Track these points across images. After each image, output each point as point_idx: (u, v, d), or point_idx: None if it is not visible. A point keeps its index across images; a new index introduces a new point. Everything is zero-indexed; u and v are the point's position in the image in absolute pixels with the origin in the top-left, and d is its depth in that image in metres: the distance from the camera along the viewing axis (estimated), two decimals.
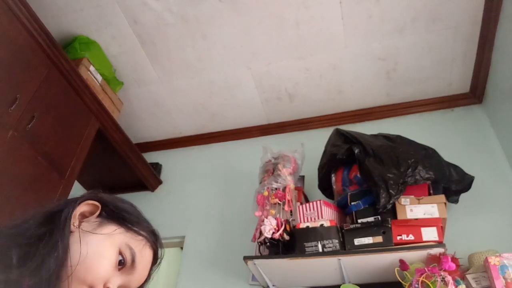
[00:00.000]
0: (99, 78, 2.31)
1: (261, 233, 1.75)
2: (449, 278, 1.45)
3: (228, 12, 2.12)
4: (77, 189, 2.73)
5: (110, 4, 2.14)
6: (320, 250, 1.71)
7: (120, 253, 0.70)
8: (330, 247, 1.71)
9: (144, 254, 0.73)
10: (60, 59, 2.00)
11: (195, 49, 2.31)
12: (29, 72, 1.84)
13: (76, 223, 0.69)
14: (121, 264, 0.70)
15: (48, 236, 0.65)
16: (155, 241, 0.77)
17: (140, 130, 2.81)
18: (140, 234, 0.73)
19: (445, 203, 1.71)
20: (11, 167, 1.66)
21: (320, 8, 2.07)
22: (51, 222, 0.68)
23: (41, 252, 0.63)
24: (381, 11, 2.06)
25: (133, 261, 0.71)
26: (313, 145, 2.14)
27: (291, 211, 1.85)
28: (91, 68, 2.27)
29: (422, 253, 1.60)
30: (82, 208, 0.71)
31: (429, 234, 1.63)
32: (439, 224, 1.64)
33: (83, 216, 0.71)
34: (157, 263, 0.78)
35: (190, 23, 2.19)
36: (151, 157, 2.79)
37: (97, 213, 0.72)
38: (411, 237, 1.63)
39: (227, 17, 2.15)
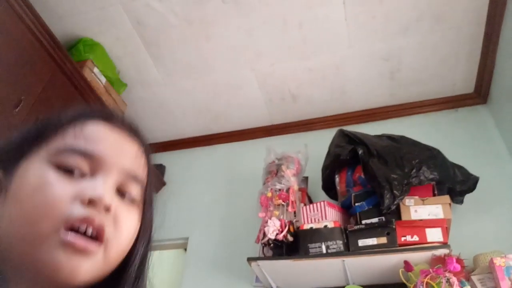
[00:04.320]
0: (103, 79, 2.32)
1: (264, 234, 1.74)
2: (454, 279, 1.45)
3: (232, 13, 2.12)
4: None
5: (114, 6, 2.15)
6: (324, 251, 1.71)
7: (57, 166, 0.47)
8: (334, 248, 1.70)
9: (89, 131, 0.50)
10: (65, 61, 2.01)
11: (198, 50, 2.31)
12: (34, 74, 1.85)
13: None
14: (70, 171, 0.47)
15: None
16: (93, 110, 0.54)
17: (144, 132, 2.81)
18: (61, 127, 0.50)
19: (449, 204, 1.70)
20: None
21: (324, 9, 2.07)
22: None
23: None
24: (385, 11, 2.06)
25: (81, 152, 0.47)
26: (316, 146, 2.13)
27: (294, 212, 1.85)
28: (95, 69, 2.27)
29: (427, 254, 1.59)
30: None
31: (434, 235, 1.62)
32: (444, 225, 1.63)
33: None
34: (124, 122, 0.55)
35: (193, 24, 2.19)
36: (154, 158, 2.78)
37: None
38: (415, 238, 1.63)
39: (230, 18, 2.15)
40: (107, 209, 0.46)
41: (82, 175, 0.48)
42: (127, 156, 0.53)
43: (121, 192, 0.51)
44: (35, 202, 0.44)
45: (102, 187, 0.47)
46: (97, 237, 0.45)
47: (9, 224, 0.44)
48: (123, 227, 0.49)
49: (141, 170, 0.55)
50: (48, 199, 0.44)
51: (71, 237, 0.43)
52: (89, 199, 0.45)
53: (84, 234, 0.44)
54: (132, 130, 0.57)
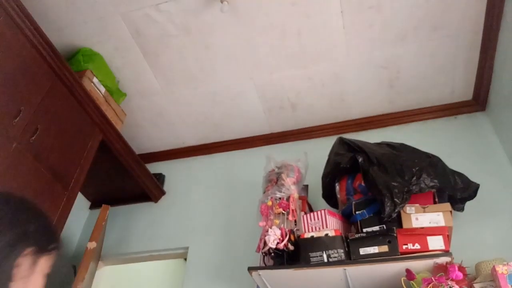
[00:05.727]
0: (103, 89, 2.33)
1: (265, 244, 1.73)
2: None
3: (230, 23, 2.13)
4: (80, 200, 2.73)
5: (113, 16, 2.16)
6: (325, 260, 1.69)
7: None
8: (335, 257, 1.69)
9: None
10: (64, 71, 2.02)
11: (197, 60, 2.32)
12: (33, 84, 1.85)
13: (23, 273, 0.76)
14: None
15: None
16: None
17: (143, 141, 2.82)
18: (53, 250, 0.84)
19: (450, 211, 1.69)
20: (15, 179, 1.67)
21: (322, 18, 2.08)
22: None
23: None
24: (383, 20, 2.07)
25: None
26: (316, 154, 2.13)
27: (295, 221, 1.84)
28: (95, 79, 2.28)
29: (429, 262, 1.58)
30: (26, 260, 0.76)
31: (435, 243, 1.61)
32: (445, 232, 1.62)
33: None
34: None
35: (192, 34, 2.20)
36: (154, 167, 2.79)
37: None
38: (417, 246, 1.62)
39: (229, 28, 2.16)
40: None
41: None
42: None
43: None
44: None
45: None
46: None
47: None
48: None
49: None
50: None
51: None
52: None
53: None
54: None
